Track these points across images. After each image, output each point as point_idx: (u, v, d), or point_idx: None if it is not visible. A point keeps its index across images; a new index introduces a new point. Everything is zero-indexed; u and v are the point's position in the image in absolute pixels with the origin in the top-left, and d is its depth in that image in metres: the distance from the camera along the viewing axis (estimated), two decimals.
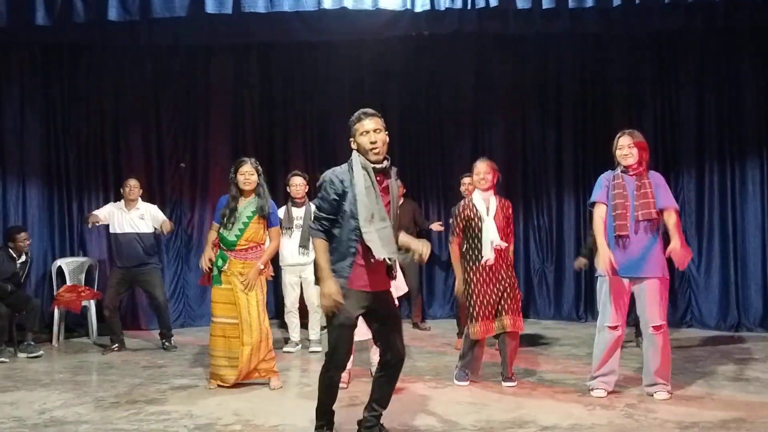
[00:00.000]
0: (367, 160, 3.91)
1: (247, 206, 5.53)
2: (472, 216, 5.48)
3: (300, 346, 7.09)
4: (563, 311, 8.84)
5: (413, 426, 4.56)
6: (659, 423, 4.53)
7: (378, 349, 4.23)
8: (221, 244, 5.54)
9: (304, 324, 7.24)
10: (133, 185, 7.45)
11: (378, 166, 3.93)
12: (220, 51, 8.78)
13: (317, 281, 4.00)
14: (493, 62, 9.16)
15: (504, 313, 5.42)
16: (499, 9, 6.68)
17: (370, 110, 3.99)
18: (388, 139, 3.98)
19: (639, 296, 5.06)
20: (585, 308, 8.72)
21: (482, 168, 5.54)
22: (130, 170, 8.42)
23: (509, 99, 9.15)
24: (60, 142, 8.50)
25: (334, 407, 4.15)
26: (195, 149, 8.86)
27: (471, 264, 5.49)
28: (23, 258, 7.34)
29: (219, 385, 5.55)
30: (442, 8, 6.57)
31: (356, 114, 3.99)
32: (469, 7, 6.56)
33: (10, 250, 7.22)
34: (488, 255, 5.38)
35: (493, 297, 5.42)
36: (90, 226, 7.57)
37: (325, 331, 5.88)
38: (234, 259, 5.49)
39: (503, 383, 5.50)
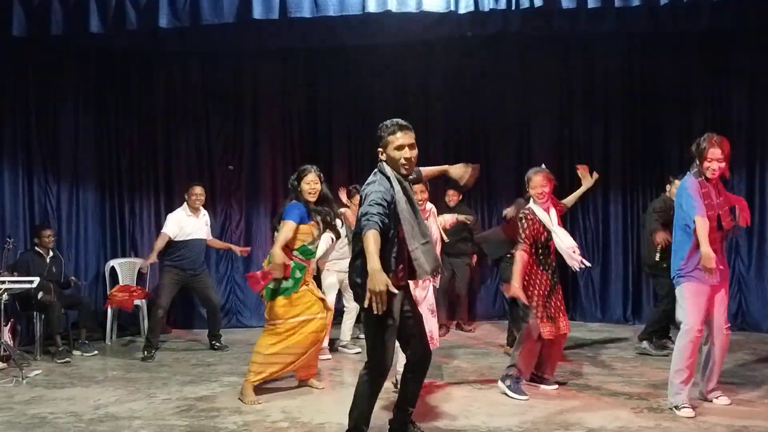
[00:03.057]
0: (398, 173, 3.82)
1: None
2: (542, 230, 5.31)
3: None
4: (610, 314, 8.75)
5: (457, 427, 4.57)
6: (708, 426, 4.47)
7: (403, 357, 4.21)
8: (300, 255, 5.38)
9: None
10: (199, 193, 7.40)
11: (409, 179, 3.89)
12: (267, 56, 8.90)
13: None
14: (537, 63, 9.09)
15: (562, 315, 5.38)
16: (543, 9, 6.62)
17: (403, 122, 3.88)
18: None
19: (715, 301, 4.87)
20: (632, 311, 8.62)
21: (539, 181, 5.34)
22: (180, 174, 8.61)
23: (555, 100, 9.08)
24: (112, 147, 8.72)
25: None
26: (243, 153, 8.97)
27: (538, 269, 5.32)
28: (51, 254, 7.45)
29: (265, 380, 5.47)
30: (486, 9, 6.53)
31: (389, 124, 3.88)
32: (513, 7, 6.51)
33: (36, 247, 7.40)
34: (574, 263, 5.29)
35: (559, 298, 5.39)
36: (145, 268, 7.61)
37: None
38: (308, 266, 5.51)
39: (546, 386, 5.46)
